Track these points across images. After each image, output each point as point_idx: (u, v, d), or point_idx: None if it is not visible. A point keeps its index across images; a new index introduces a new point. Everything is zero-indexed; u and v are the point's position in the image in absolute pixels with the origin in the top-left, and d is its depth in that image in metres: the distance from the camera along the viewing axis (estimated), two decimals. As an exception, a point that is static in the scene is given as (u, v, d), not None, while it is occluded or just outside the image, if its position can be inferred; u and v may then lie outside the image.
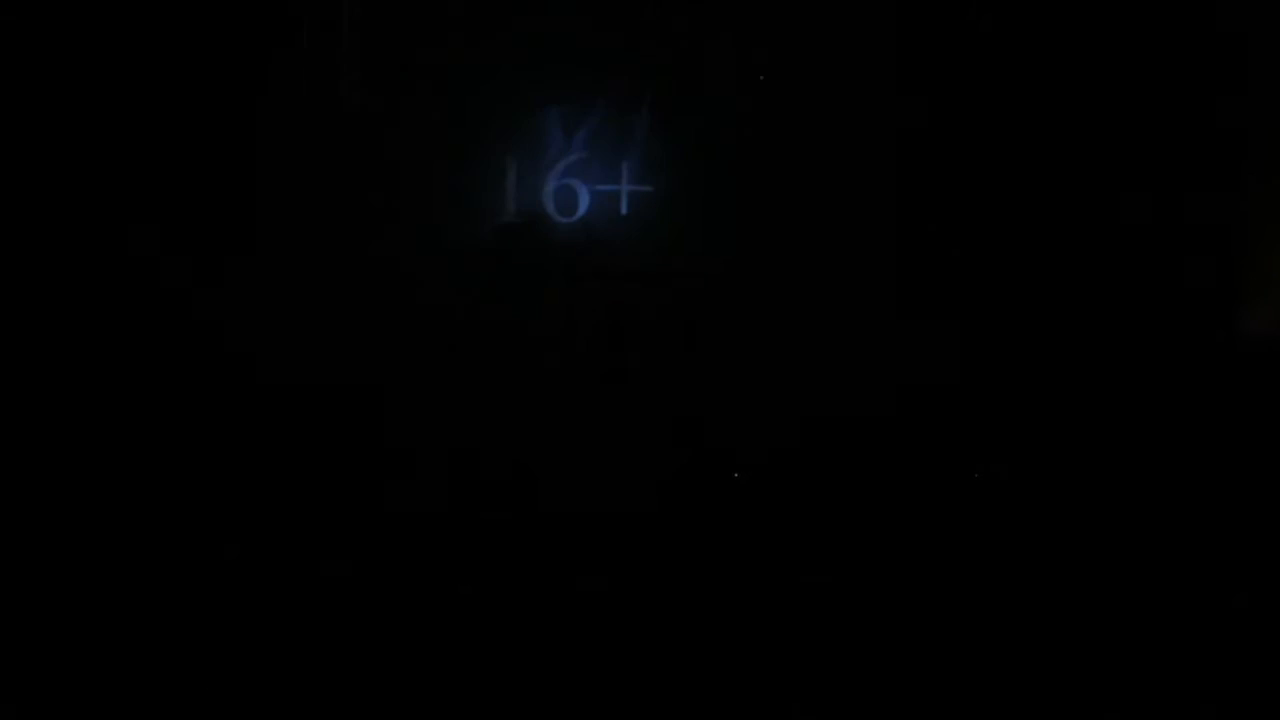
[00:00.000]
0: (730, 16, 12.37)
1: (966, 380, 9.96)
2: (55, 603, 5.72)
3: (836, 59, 12.16)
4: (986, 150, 10.68)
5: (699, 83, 12.10)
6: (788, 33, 12.20)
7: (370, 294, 11.46)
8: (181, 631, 5.50)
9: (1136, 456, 7.34)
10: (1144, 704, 4.95)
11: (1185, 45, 9.19)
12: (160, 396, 8.14)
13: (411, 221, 11.98)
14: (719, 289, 11.52)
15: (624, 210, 12.73)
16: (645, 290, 11.56)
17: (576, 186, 12.71)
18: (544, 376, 10.97)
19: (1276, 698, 4.89)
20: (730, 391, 10.53)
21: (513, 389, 10.90)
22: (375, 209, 11.82)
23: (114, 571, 5.94)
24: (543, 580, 6.09)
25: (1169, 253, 9.19)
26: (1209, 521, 6.25)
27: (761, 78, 10.90)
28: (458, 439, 9.92)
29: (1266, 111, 8.87)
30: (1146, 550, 6.10)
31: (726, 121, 11.86)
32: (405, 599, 5.70)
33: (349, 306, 11.41)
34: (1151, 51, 9.32)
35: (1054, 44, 10.03)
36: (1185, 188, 9.13)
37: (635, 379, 11.08)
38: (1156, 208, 9.16)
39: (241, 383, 9.56)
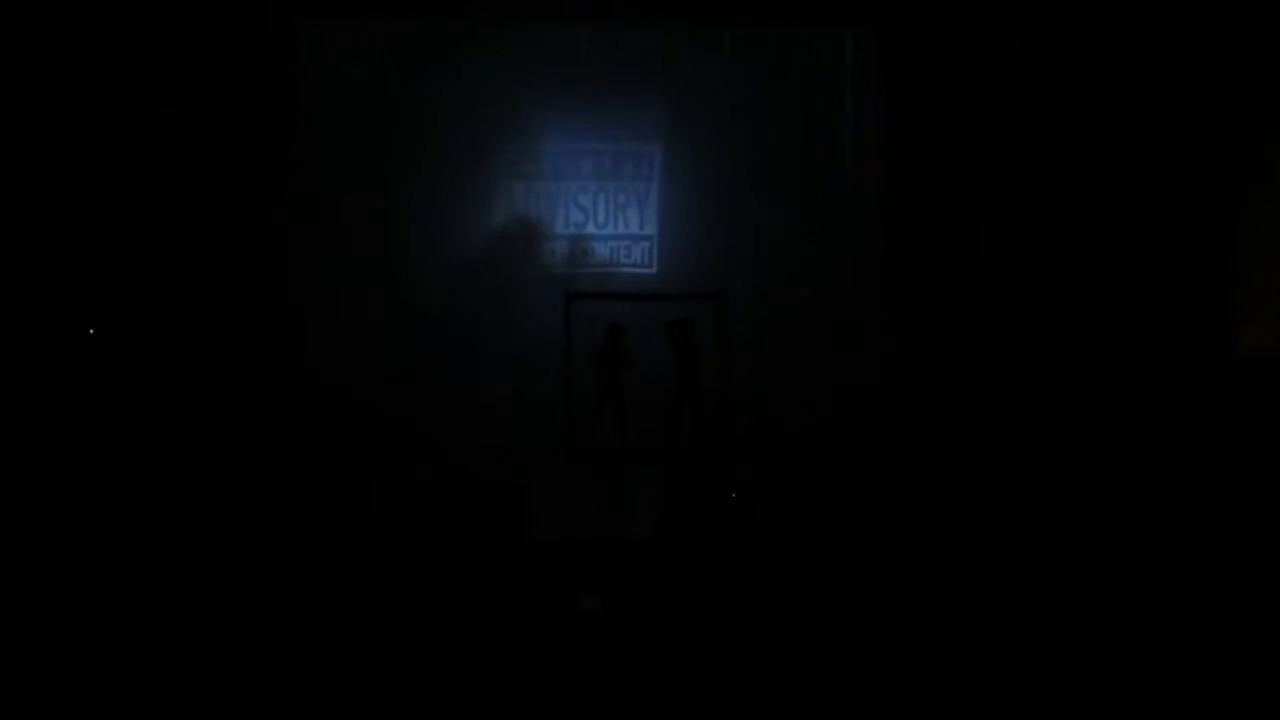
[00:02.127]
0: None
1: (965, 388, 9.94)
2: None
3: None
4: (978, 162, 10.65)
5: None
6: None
7: (376, 308, 11.47)
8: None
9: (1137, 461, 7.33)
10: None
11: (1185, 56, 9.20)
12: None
13: (423, 240, 12.03)
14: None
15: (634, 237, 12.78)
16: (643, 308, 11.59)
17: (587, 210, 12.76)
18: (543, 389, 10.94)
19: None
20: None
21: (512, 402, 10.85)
22: (393, 227, 11.92)
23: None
24: (535, 600, 6.05)
25: (1170, 268, 9.20)
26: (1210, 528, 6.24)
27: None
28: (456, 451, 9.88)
29: (1262, 130, 8.88)
30: (1146, 553, 6.09)
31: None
32: (402, 614, 5.67)
33: (360, 321, 11.43)
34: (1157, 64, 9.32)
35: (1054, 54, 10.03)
36: (1185, 204, 9.16)
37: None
38: (1156, 224, 9.17)
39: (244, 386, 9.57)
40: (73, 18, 10.07)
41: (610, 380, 11.23)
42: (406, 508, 7.18)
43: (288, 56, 11.78)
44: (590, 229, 13.14)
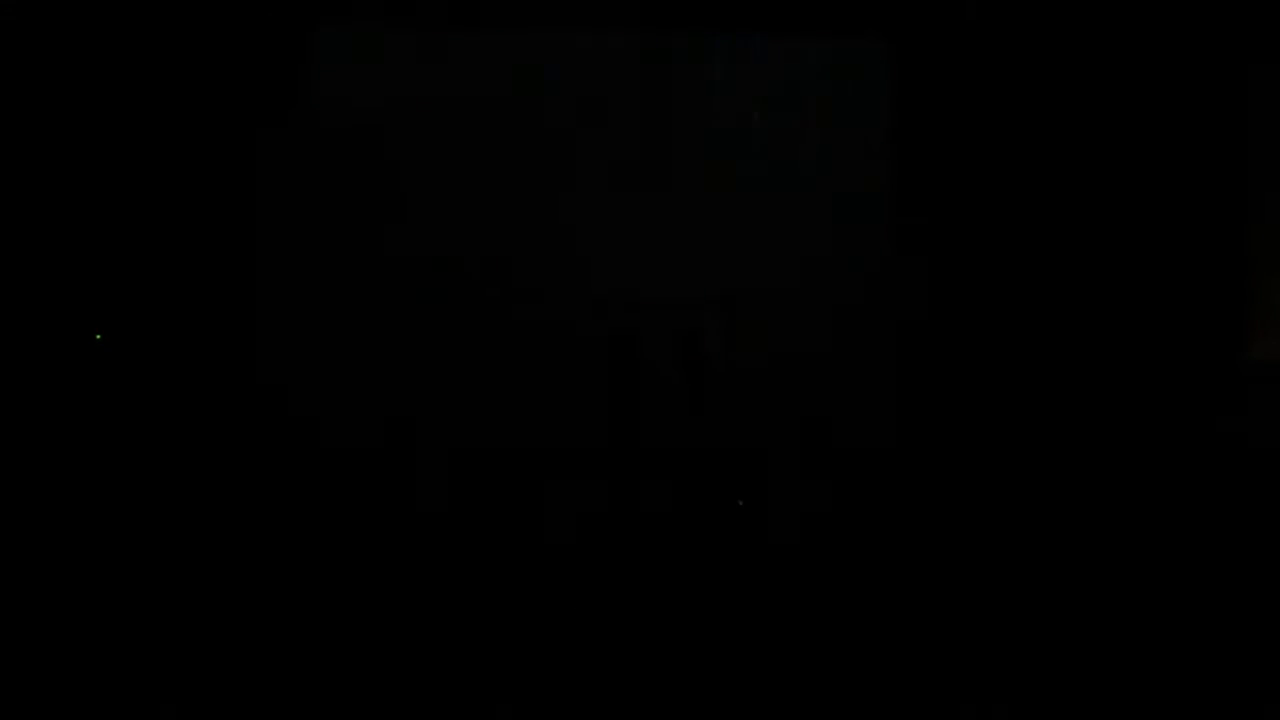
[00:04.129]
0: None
1: (971, 399, 9.92)
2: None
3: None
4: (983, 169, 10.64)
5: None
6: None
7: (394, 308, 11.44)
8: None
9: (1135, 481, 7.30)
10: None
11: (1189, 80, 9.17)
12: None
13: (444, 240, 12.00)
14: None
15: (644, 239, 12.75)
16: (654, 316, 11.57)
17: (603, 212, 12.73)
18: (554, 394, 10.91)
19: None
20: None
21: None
22: (403, 229, 11.89)
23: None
24: (541, 604, 6.05)
25: (1174, 277, 9.17)
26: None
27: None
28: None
29: (1267, 139, 8.85)
30: (1147, 566, 6.07)
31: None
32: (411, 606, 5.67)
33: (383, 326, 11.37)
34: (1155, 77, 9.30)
35: (1060, 69, 10.02)
36: (1190, 213, 9.12)
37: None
38: (1161, 233, 9.14)
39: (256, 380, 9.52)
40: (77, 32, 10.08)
41: (618, 386, 11.19)
42: (411, 510, 7.17)
43: (296, 57, 11.76)
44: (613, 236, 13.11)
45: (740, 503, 8.13)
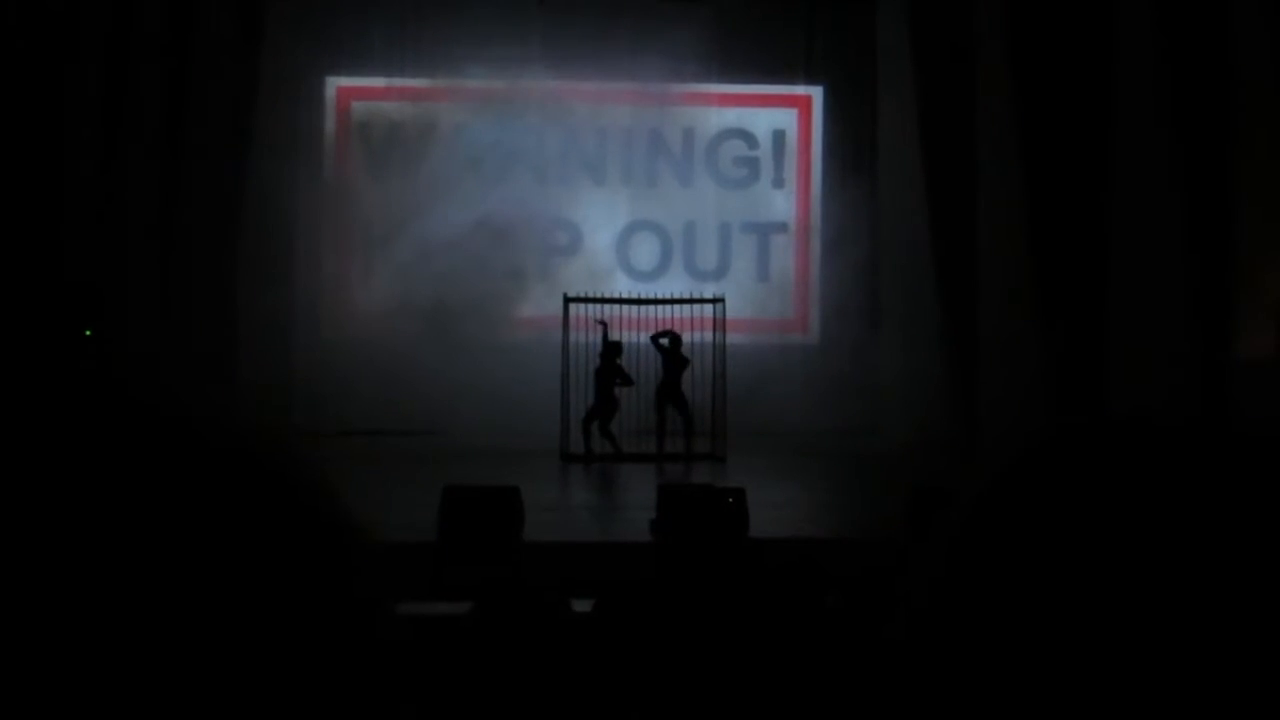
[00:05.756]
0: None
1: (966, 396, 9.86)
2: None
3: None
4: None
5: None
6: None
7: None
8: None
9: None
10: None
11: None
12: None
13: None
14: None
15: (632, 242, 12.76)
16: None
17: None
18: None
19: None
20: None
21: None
22: (393, 225, 11.89)
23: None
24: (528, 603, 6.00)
25: (1167, 272, 9.14)
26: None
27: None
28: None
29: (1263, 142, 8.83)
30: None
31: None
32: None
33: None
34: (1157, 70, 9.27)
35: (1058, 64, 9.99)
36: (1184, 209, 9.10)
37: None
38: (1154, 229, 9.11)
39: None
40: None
41: (604, 393, 10.99)
42: (400, 509, 7.15)
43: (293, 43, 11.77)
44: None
45: (729, 499, 8.04)
